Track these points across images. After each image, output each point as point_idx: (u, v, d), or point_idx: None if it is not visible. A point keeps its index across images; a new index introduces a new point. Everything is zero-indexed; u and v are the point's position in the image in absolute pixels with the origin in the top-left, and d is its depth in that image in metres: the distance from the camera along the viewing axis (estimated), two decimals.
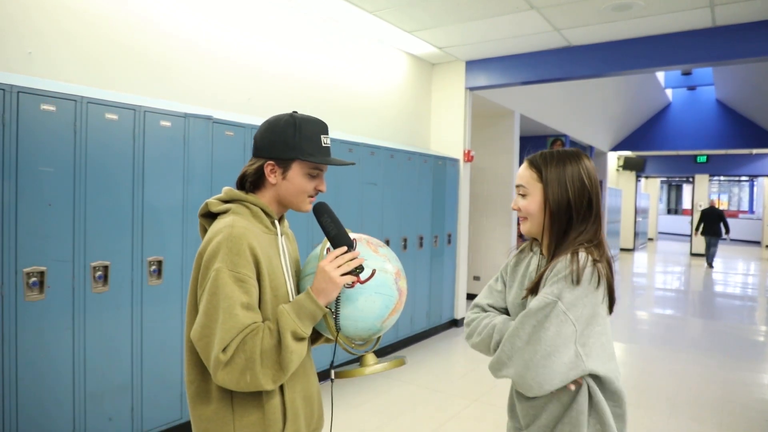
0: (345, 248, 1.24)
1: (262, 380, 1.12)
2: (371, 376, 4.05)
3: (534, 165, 1.35)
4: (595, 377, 1.25)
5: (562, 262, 1.24)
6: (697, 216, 14.06)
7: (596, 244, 1.28)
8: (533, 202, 1.33)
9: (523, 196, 1.36)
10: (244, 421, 1.20)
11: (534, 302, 1.23)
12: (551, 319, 1.19)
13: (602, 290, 1.24)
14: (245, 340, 1.12)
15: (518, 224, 1.41)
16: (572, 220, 1.29)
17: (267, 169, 1.29)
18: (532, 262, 1.40)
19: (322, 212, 1.30)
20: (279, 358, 1.13)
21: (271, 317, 1.21)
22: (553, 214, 1.30)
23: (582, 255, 1.23)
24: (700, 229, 11.74)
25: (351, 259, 1.22)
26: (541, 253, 1.38)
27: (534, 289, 1.29)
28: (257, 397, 1.21)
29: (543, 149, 1.40)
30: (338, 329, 1.26)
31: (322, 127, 1.31)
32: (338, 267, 1.20)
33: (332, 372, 1.31)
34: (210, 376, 1.20)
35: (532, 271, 1.38)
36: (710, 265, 11.88)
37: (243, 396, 1.20)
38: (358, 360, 1.34)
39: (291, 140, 1.27)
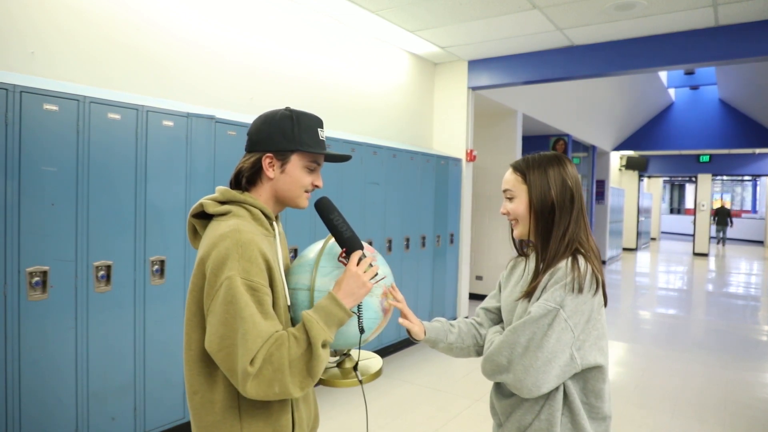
0: (361, 252, 1.23)
1: (291, 390, 1.10)
2: None
3: (518, 169, 1.40)
4: (582, 374, 1.29)
5: (563, 269, 1.26)
6: (700, 215, 14.84)
7: (586, 242, 1.33)
8: (520, 203, 1.38)
9: (510, 199, 1.41)
10: (252, 428, 1.17)
11: (536, 309, 1.25)
12: (554, 327, 1.22)
13: (599, 295, 1.28)
14: (271, 352, 1.08)
15: (511, 231, 1.45)
16: (555, 217, 1.33)
17: (265, 162, 1.24)
18: (527, 265, 1.45)
19: (330, 209, 1.25)
20: (308, 367, 1.11)
21: (284, 323, 1.19)
22: (537, 212, 1.35)
23: (582, 261, 1.28)
24: (715, 219, 17.40)
25: (370, 264, 1.23)
26: (535, 252, 1.42)
27: (529, 293, 1.31)
28: (265, 404, 1.18)
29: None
30: (363, 330, 1.25)
31: (318, 121, 1.30)
32: (365, 272, 1.21)
33: (358, 374, 1.31)
34: (216, 386, 1.17)
35: (527, 273, 1.42)
36: (723, 244, 17.68)
37: (250, 404, 1.17)
38: (337, 366, 1.36)
39: (289, 132, 1.23)
